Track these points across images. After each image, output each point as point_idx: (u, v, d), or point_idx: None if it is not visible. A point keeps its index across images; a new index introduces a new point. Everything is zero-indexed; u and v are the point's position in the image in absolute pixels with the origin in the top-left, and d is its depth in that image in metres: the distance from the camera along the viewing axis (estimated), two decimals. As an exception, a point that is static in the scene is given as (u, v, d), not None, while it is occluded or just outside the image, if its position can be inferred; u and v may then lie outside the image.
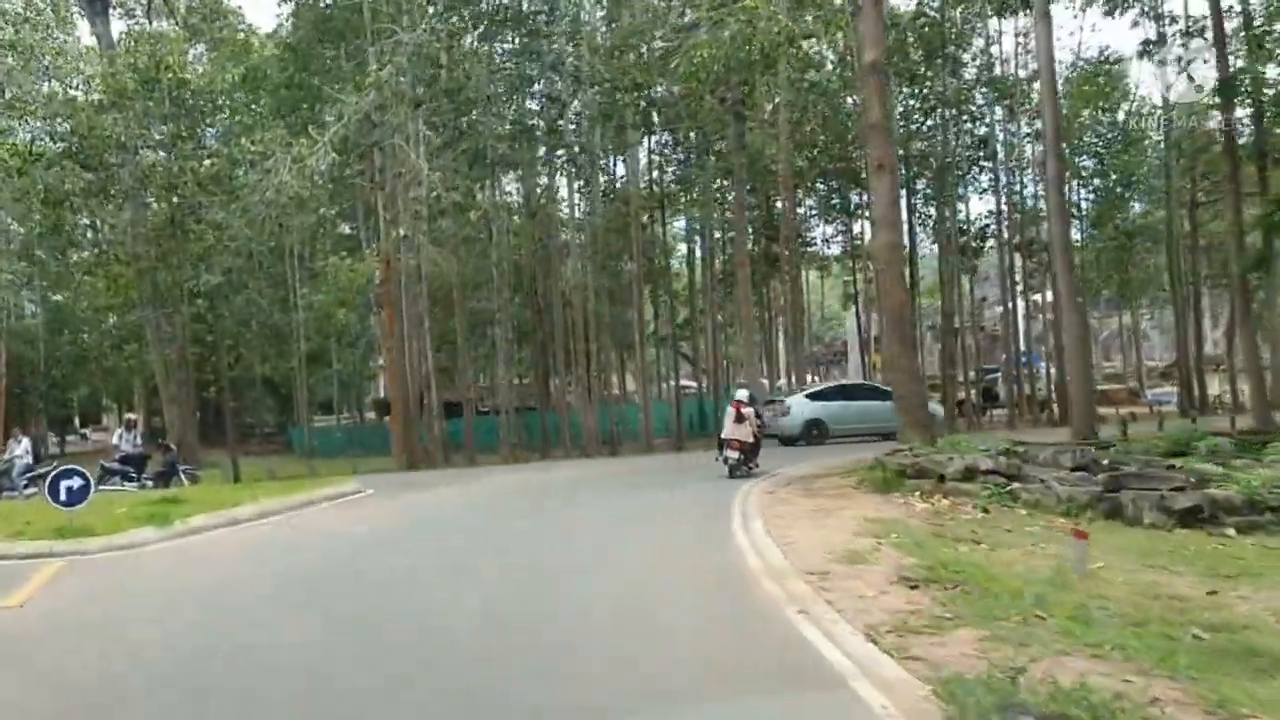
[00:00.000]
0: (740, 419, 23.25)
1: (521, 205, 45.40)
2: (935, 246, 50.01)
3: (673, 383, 51.09)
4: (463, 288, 37.28)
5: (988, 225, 49.10)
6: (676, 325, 53.39)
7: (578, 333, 41.76)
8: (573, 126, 38.94)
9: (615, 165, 46.98)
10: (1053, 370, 49.85)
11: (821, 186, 50.71)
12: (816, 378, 65.27)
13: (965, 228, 49.92)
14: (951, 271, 48.33)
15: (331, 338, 53.48)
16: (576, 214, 45.91)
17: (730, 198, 44.39)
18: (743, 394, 24.29)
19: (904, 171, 45.61)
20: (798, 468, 24.61)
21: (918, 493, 18.00)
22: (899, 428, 23.72)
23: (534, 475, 27.24)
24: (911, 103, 44.61)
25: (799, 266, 44.47)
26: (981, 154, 45.45)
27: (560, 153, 41.67)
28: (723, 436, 23.67)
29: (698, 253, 50.74)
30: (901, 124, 43.44)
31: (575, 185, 44.45)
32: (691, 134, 41.24)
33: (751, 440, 23.45)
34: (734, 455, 23.15)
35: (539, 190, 45.42)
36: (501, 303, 38.38)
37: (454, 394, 52.29)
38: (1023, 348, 67.78)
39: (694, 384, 57.97)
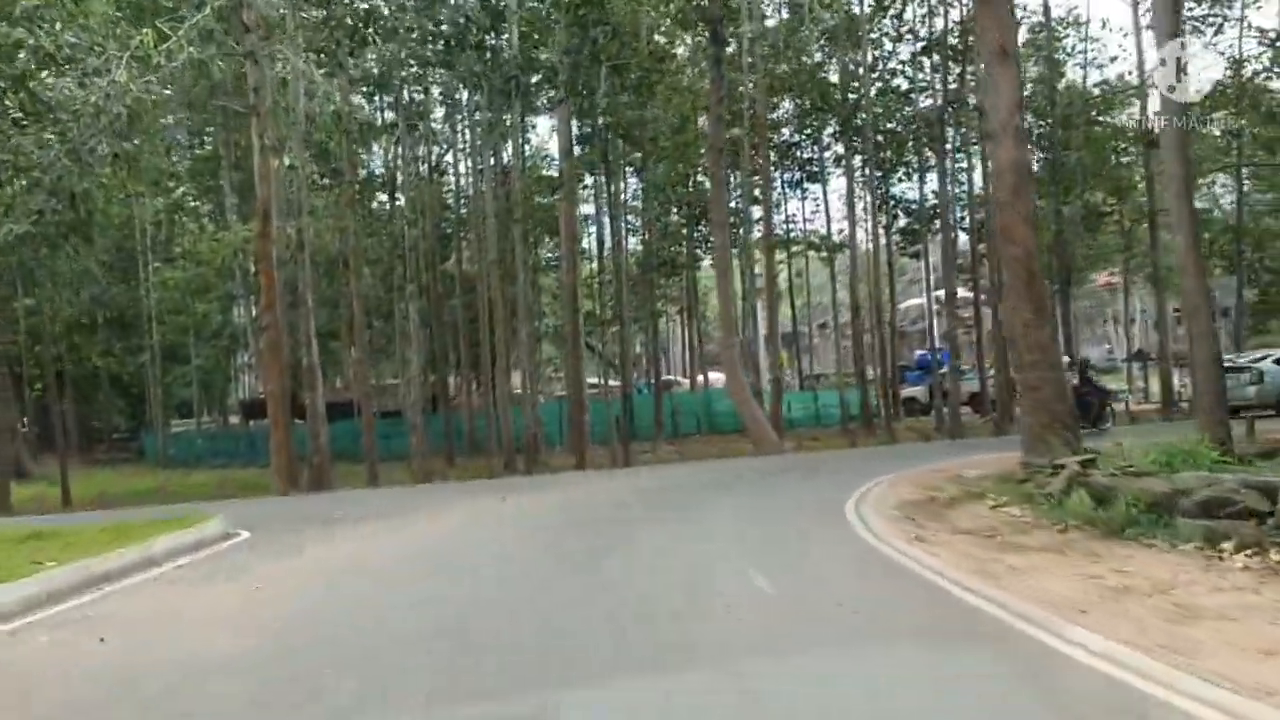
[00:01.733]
0: None
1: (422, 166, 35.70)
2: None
3: (614, 381, 42.02)
4: (358, 263, 27.43)
5: (935, 206, 41.37)
6: (589, 317, 44.57)
7: (485, 324, 32.30)
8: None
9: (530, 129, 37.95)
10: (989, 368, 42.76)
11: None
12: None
13: (911, 208, 42.40)
14: (891, 258, 40.79)
15: (190, 331, 43.11)
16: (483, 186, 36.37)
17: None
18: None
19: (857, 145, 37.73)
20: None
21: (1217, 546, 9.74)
22: (1031, 433, 15.40)
23: (485, 505, 17.98)
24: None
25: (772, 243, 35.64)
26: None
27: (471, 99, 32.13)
28: None
29: (606, 236, 42.26)
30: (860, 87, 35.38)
31: (484, 150, 34.85)
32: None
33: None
34: None
35: (443, 149, 36.00)
36: (405, 279, 28.62)
37: (334, 394, 42.66)
38: (938, 344, 61.39)
39: (615, 382, 49.00)
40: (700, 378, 51.66)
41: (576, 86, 27.73)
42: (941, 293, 70.19)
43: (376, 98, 32.43)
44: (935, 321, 66.59)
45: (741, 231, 35.27)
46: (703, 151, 41.35)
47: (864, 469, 19.53)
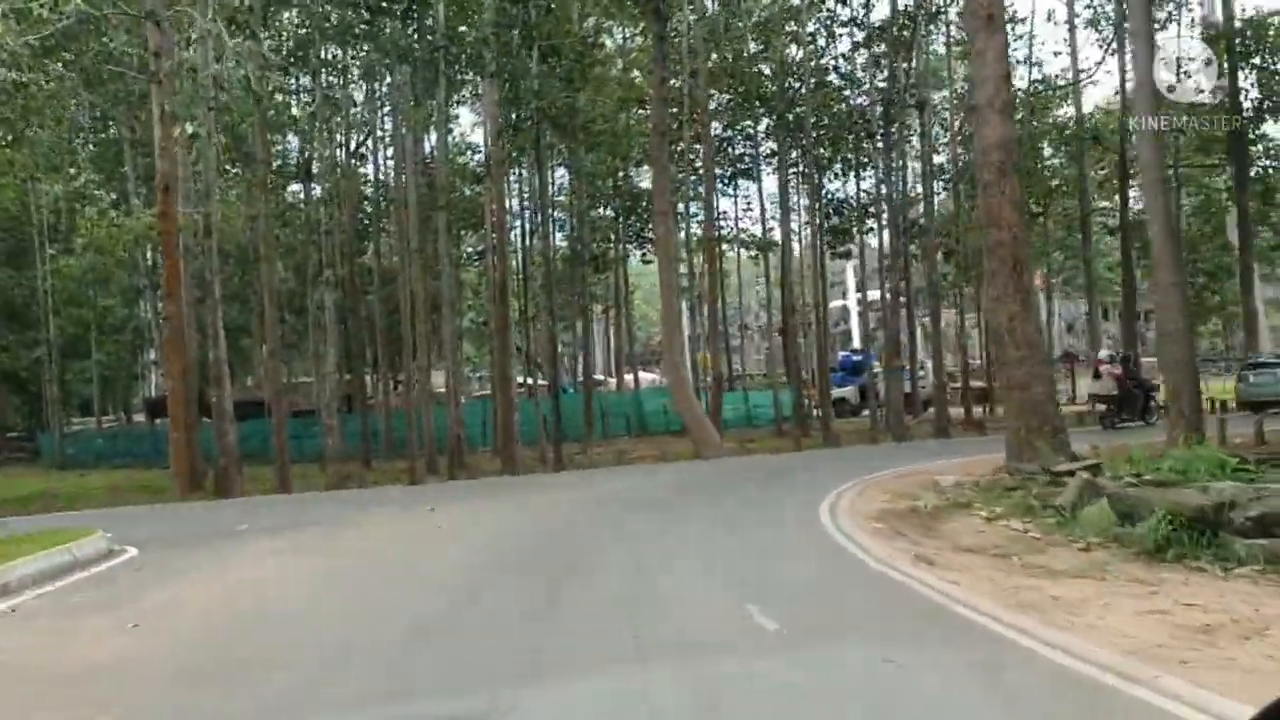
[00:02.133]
0: (1098, 375, 24.62)
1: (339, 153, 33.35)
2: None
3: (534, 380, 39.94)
4: (269, 252, 24.96)
5: (870, 206, 40.02)
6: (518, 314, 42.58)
7: (406, 318, 30.04)
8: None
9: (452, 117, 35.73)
10: (926, 367, 41.69)
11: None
12: (658, 375, 55.31)
13: (841, 207, 41.03)
14: (820, 258, 39.45)
15: (91, 325, 40.20)
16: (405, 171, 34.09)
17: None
18: (1103, 354, 26.37)
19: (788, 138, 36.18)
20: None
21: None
22: (1018, 436, 13.84)
23: (411, 516, 15.95)
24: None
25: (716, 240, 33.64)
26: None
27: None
28: (1090, 393, 25.68)
29: (526, 230, 40.29)
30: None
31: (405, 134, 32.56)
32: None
33: (1117, 393, 24.03)
34: (1101, 408, 24.70)
35: (362, 136, 33.67)
36: (320, 266, 26.22)
37: (246, 392, 40.10)
38: (858, 345, 60.33)
39: (538, 381, 46.91)
40: (629, 377, 49.94)
41: (506, 66, 25.67)
42: (872, 293, 69.55)
43: (294, 80, 30.00)
44: (856, 323, 66.04)
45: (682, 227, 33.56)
46: (633, 145, 39.85)
47: (821, 474, 17.91)
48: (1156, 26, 32.72)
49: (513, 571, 9.77)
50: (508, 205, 45.52)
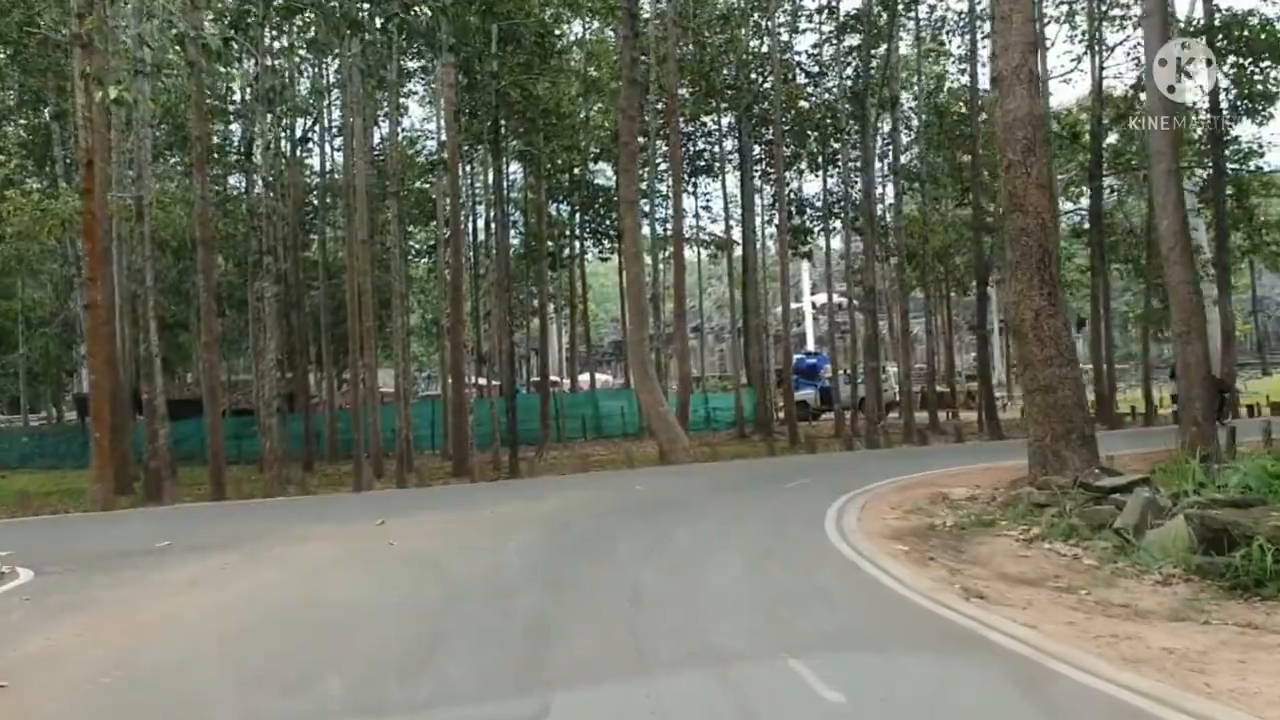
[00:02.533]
0: (1174, 375, 22.28)
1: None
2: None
3: (484, 381, 37.85)
4: (207, 236, 22.71)
5: (838, 204, 38.53)
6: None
7: (354, 313, 27.90)
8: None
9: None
10: (895, 370, 40.40)
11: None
12: (612, 376, 53.60)
13: (804, 206, 39.62)
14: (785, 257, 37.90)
15: (18, 317, 37.67)
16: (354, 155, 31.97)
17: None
18: None
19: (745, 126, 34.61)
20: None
21: None
22: (1042, 445, 12.28)
23: (357, 532, 14.01)
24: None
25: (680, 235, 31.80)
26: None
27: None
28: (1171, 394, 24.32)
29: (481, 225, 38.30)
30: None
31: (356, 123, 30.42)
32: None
33: None
34: None
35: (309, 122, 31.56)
36: (260, 253, 23.96)
37: (185, 390, 37.86)
38: (811, 347, 58.96)
39: (485, 381, 44.86)
40: (583, 378, 48.12)
41: (464, 44, 23.77)
42: (819, 297, 68.26)
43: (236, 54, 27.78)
44: (810, 325, 64.73)
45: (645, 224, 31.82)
46: (592, 139, 38.11)
47: (811, 485, 16.28)
48: (1129, 25, 31.81)
49: (479, 619, 7.91)
50: (462, 199, 43.77)
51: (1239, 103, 29.87)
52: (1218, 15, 28.12)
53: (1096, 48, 31.20)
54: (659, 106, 31.73)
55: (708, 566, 9.70)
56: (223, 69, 24.51)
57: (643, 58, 28.84)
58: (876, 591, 8.36)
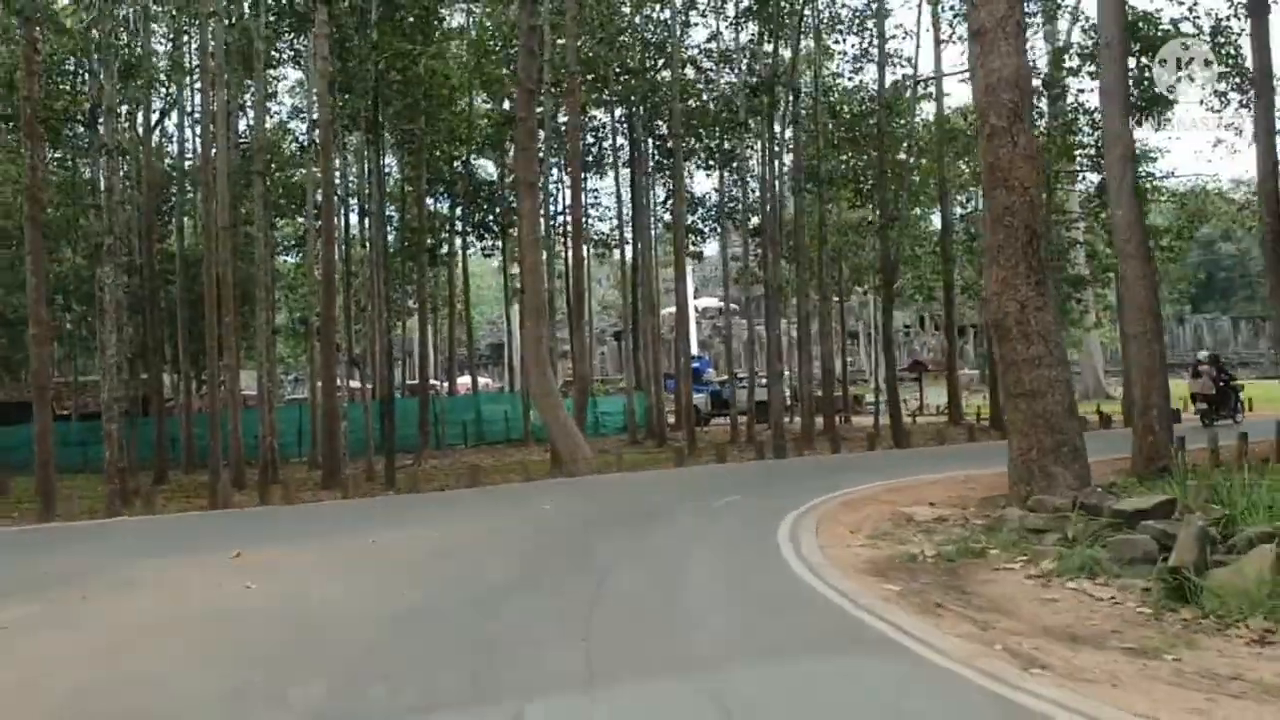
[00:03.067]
0: (1197, 374, 25.13)
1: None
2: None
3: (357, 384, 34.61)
4: (35, 211, 19.34)
5: (734, 205, 36.74)
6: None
7: (212, 309, 24.64)
8: None
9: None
10: (788, 374, 38.81)
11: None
12: (491, 380, 50.88)
13: (697, 205, 37.77)
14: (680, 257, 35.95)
15: None
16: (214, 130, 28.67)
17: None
18: (1203, 354, 27.91)
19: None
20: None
21: None
22: (1026, 458, 10.39)
23: (203, 577, 11.27)
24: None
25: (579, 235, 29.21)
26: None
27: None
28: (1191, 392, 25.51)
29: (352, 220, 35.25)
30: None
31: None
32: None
33: (1214, 392, 24.60)
34: (1203, 406, 24.65)
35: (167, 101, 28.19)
36: (101, 234, 20.63)
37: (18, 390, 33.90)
38: (695, 351, 57.12)
39: (356, 384, 41.60)
40: (464, 380, 45.38)
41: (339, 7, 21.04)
42: (702, 301, 66.76)
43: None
44: (695, 329, 62.96)
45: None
46: (475, 129, 35.44)
47: (743, 502, 14.19)
48: (1040, 21, 30.77)
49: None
50: (335, 184, 40.49)
51: (1141, 104, 29.00)
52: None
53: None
54: (554, 89, 29.30)
55: (684, 633, 7.29)
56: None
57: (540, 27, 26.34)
58: (896, 658, 6.21)
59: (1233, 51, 23.66)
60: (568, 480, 18.76)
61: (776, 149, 37.52)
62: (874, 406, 45.59)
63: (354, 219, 33.19)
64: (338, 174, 35.33)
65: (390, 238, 37.55)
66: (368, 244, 30.55)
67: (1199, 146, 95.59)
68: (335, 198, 26.03)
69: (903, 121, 33.19)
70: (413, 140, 32.15)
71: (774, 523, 11.51)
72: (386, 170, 36.69)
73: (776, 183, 36.79)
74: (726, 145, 34.24)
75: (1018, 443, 10.41)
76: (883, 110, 31.15)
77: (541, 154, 33.30)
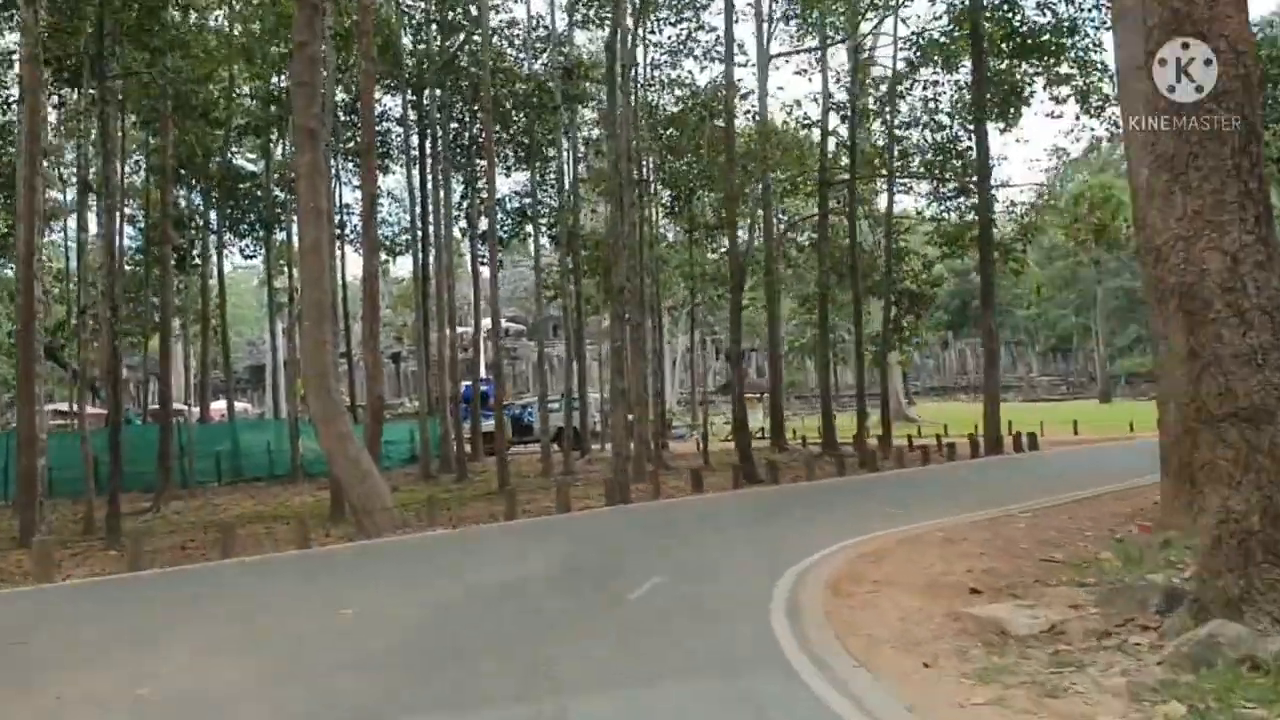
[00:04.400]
0: None
1: None
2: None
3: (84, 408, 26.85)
4: None
5: (532, 208, 31.47)
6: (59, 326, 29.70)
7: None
8: None
9: None
10: (597, 397, 33.96)
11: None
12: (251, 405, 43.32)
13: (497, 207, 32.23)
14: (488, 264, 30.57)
15: None
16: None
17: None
18: None
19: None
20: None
21: None
22: (1225, 530, 5.49)
23: None
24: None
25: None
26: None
27: None
28: None
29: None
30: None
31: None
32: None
33: None
34: None
35: None
36: None
37: None
38: (484, 374, 51.26)
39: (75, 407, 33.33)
40: (220, 405, 37.96)
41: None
42: (491, 322, 60.97)
43: None
44: (485, 349, 57.03)
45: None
46: (234, 113, 28.65)
47: (672, 586, 8.75)
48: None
49: None
50: (57, 179, 32.57)
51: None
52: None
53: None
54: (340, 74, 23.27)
55: None
56: None
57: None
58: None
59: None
60: (366, 546, 12.77)
61: (583, 150, 32.86)
62: (683, 431, 41.59)
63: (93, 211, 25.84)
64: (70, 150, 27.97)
65: (130, 233, 30.32)
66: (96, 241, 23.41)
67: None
68: (42, 162, 18.85)
69: (719, 122, 28.98)
70: (157, 117, 25.23)
71: (765, 638, 6.36)
72: (130, 151, 29.50)
73: (581, 186, 32.22)
74: (536, 135, 28.99)
75: (1222, 499, 5.73)
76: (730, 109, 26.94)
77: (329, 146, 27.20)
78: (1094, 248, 44.17)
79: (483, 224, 30.75)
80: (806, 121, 28.37)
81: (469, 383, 49.52)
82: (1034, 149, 69.70)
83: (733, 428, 22.10)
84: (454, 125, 31.02)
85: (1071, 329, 76.93)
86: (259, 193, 31.12)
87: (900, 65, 26.58)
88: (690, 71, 30.28)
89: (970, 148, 26.75)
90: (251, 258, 34.06)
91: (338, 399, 14.19)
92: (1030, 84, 24.88)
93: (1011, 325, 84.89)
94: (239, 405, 44.79)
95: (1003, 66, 24.92)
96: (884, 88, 27.39)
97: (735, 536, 12.08)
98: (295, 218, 29.00)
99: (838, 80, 28.37)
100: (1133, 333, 76.97)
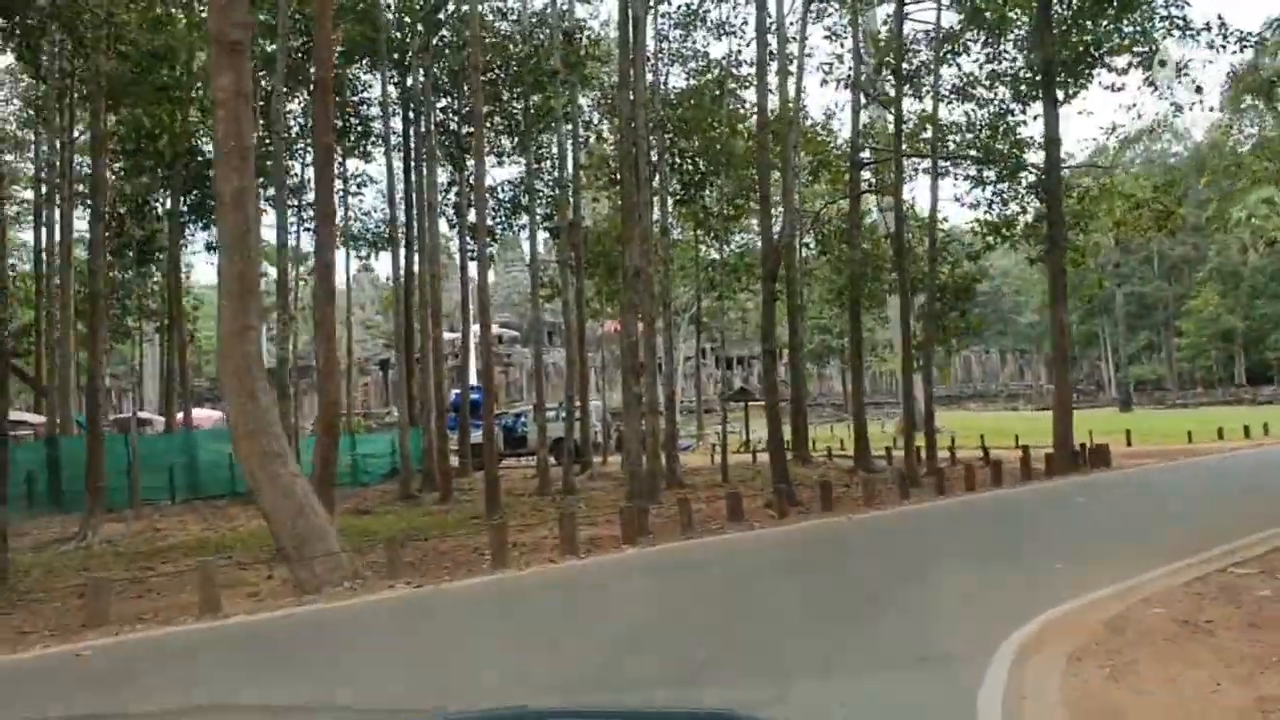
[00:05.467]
0: None
1: None
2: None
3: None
4: None
5: (526, 194, 27.51)
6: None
7: None
8: None
9: None
10: (598, 405, 30.07)
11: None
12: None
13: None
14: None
15: None
16: None
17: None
18: None
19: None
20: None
21: None
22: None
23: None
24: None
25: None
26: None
27: None
28: None
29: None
30: None
31: None
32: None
33: None
34: None
35: None
36: None
37: None
38: (474, 380, 47.24)
39: (36, 417, 29.12)
40: (201, 413, 33.97)
41: None
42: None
43: None
44: (475, 355, 52.92)
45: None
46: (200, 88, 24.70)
47: None
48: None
49: None
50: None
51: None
52: None
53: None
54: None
55: None
56: None
57: None
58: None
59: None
60: (298, 615, 8.72)
61: (584, 135, 28.93)
62: (689, 442, 37.68)
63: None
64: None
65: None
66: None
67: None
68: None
69: (749, 95, 25.11)
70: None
71: None
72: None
73: (583, 174, 28.41)
74: (532, 113, 25.04)
75: None
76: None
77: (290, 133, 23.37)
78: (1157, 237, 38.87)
79: (472, 215, 26.90)
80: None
81: (459, 390, 45.69)
82: (1086, 126, 60.98)
83: (769, 440, 18.01)
84: (440, 107, 27.25)
85: (1078, 336, 73.33)
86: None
87: (946, 26, 22.74)
88: (701, 47, 26.21)
89: (1023, 121, 22.96)
90: (213, 249, 29.90)
91: (267, 404, 10.20)
92: (1108, 42, 20.88)
93: (1014, 332, 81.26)
94: (215, 414, 40.69)
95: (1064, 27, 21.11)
96: (923, 54, 23.45)
97: (835, 613, 7.92)
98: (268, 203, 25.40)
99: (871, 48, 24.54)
100: (1143, 339, 73.44)
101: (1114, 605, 6.99)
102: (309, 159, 30.82)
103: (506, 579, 9.97)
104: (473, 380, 48.43)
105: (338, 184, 31.70)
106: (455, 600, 9.25)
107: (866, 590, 8.41)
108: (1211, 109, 35.09)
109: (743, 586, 9.34)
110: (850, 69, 23.67)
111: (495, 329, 62.92)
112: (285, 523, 9.91)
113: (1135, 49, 21.41)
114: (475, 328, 55.01)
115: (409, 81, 26.08)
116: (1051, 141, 20.53)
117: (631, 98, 16.83)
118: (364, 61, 27.14)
